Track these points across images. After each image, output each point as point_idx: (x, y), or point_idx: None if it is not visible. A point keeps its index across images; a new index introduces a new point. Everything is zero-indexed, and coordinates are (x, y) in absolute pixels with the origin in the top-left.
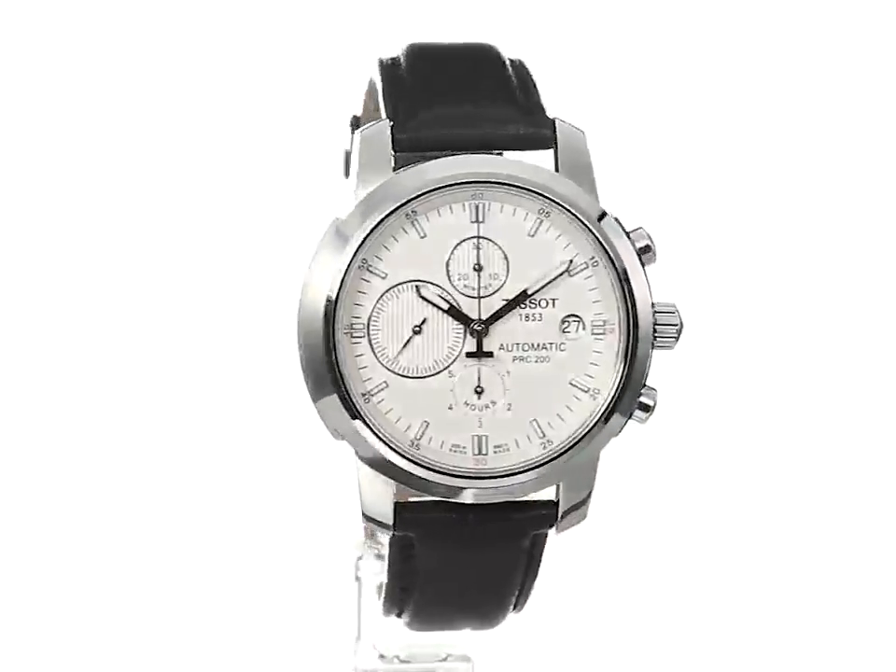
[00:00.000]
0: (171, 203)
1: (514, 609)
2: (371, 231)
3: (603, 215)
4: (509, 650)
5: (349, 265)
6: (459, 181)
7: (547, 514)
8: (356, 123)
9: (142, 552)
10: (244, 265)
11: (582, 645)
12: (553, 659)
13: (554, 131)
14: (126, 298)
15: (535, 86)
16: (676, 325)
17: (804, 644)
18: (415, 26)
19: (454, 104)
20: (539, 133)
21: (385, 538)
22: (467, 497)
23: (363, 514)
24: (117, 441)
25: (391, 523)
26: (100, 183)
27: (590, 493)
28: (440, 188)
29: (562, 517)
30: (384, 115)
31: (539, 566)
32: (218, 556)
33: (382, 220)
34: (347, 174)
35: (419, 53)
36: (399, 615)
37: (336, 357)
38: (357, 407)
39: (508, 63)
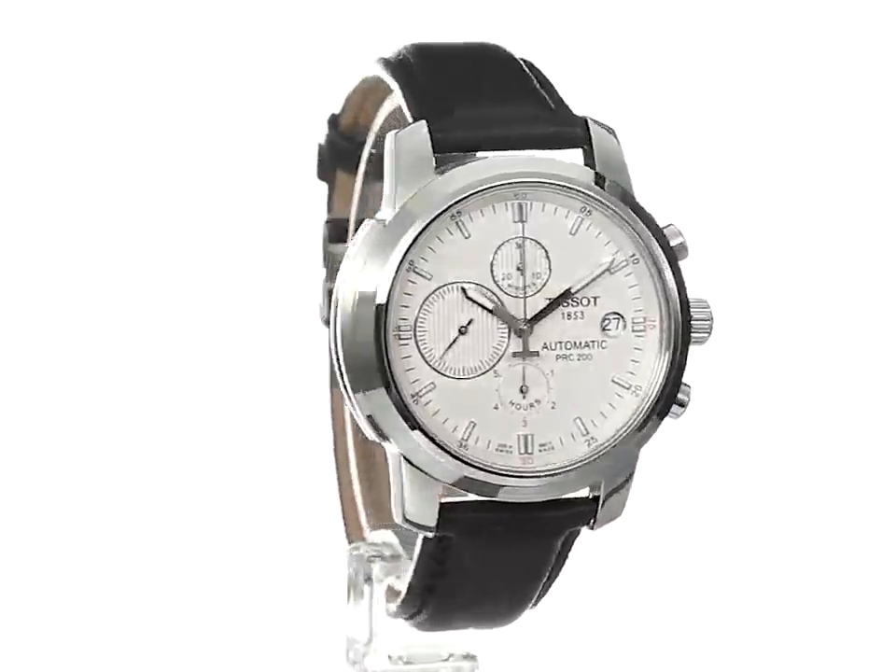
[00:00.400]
0: (155, 200)
1: (532, 605)
2: (420, 233)
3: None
4: (509, 648)
5: (398, 268)
6: (504, 181)
7: (585, 511)
8: (334, 122)
9: (139, 552)
10: (229, 263)
11: (585, 643)
12: (556, 656)
13: (587, 129)
14: (111, 295)
15: (552, 85)
16: (709, 320)
17: (809, 644)
18: (385, 25)
19: (484, 104)
20: (573, 131)
21: (394, 538)
22: (512, 496)
23: (403, 517)
24: (116, 440)
25: (434, 524)
26: (91, 182)
27: (628, 490)
28: (485, 188)
29: (600, 514)
30: (409, 116)
31: (565, 563)
32: (215, 556)
33: (430, 223)
34: (321, 170)
35: (430, 53)
36: (412, 617)
37: (389, 361)
38: (409, 409)
39: (521, 62)
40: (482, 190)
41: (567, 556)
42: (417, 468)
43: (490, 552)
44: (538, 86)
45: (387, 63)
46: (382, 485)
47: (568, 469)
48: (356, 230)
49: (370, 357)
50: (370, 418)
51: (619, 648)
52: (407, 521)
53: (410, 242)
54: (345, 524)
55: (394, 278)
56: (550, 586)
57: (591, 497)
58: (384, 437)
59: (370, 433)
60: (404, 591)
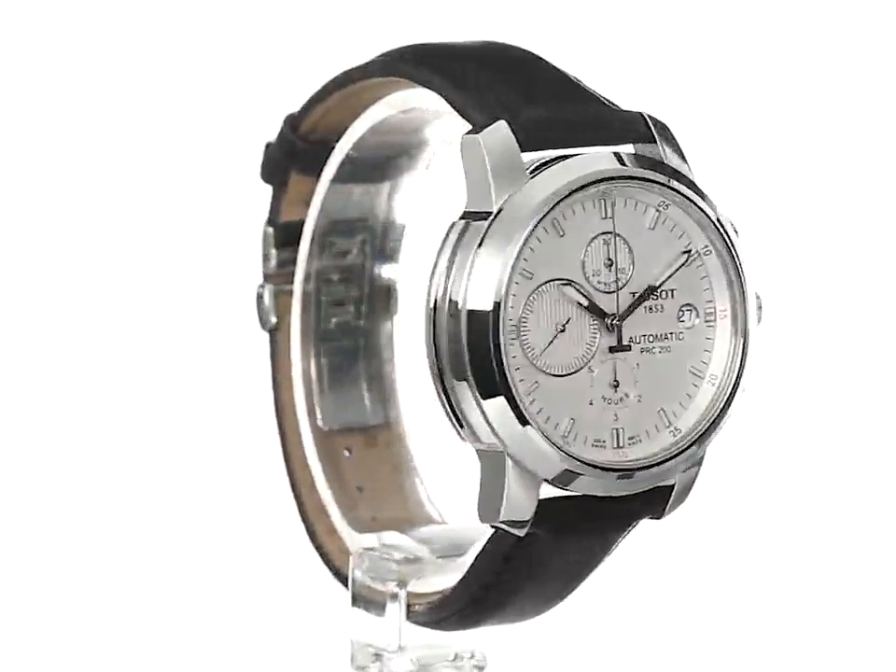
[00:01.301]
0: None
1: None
2: (529, 235)
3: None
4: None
5: (513, 269)
6: (596, 179)
7: (657, 500)
8: (293, 123)
9: (136, 553)
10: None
11: (588, 640)
12: (559, 654)
13: (646, 124)
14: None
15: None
16: (760, 308)
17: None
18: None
19: (546, 102)
20: (638, 126)
21: (405, 540)
22: (608, 490)
23: (501, 518)
24: (114, 441)
25: (530, 522)
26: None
27: (696, 475)
28: (581, 187)
29: (672, 504)
30: (466, 118)
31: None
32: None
33: (537, 224)
34: (268, 172)
35: (451, 54)
36: (441, 620)
37: (506, 363)
38: (522, 407)
39: (546, 60)
40: (579, 189)
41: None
42: (523, 466)
43: (565, 547)
44: (579, 82)
45: (403, 59)
46: (350, 486)
47: (658, 461)
48: (319, 234)
49: (485, 357)
50: (490, 422)
51: (622, 645)
52: (503, 521)
53: (521, 244)
54: (311, 530)
55: (508, 279)
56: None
57: (670, 486)
58: (495, 438)
59: (467, 434)
60: (437, 593)
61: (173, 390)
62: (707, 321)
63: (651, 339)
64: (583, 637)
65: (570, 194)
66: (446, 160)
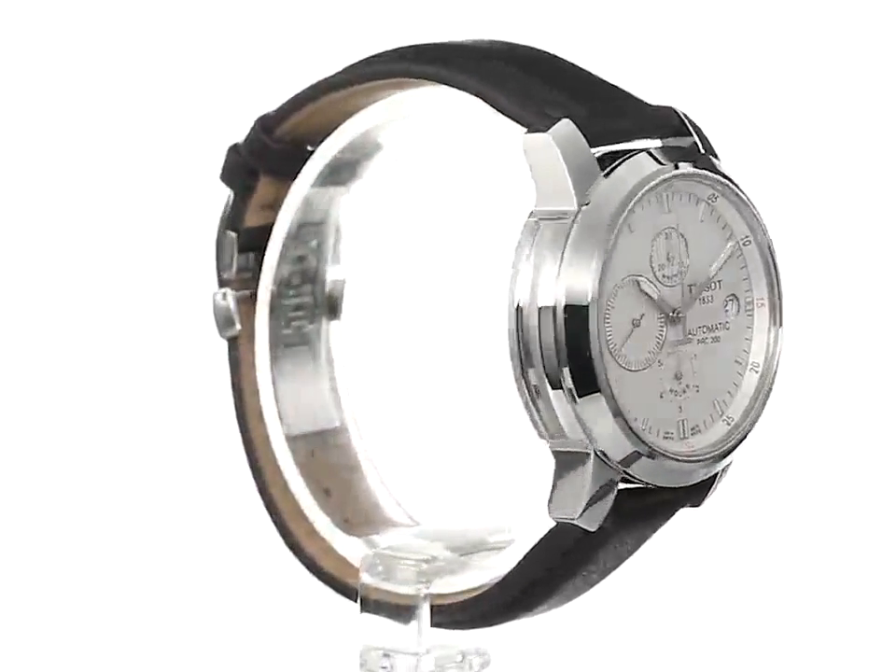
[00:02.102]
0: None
1: None
2: (618, 234)
3: None
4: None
5: (605, 267)
6: (667, 175)
7: (701, 490)
8: (268, 126)
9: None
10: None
11: (588, 640)
12: (561, 653)
13: (680, 118)
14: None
15: None
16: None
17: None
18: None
19: (586, 100)
20: (677, 120)
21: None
22: (676, 481)
23: (579, 514)
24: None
25: (605, 517)
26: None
27: (730, 465)
28: (655, 185)
29: (711, 493)
30: (519, 116)
31: None
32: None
33: (622, 223)
34: (233, 174)
35: (476, 53)
36: (465, 622)
37: (604, 359)
38: (614, 400)
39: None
40: (653, 186)
41: None
42: (607, 461)
43: (620, 537)
44: (603, 79)
45: (424, 60)
46: (320, 489)
47: (719, 450)
48: (290, 237)
49: (583, 354)
50: (583, 420)
51: (624, 644)
52: (579, 517)
53: (612, 242)
54: (287, 532)
55: (601, 276)
56: None
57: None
58: (559, 435)
59: (550, 432)
60: (462, 593)
61: (128, 396)
62: (746, 311)
63: (704, 330)
64: (583, 637)
65: (646, 192)
66: (393, 165)
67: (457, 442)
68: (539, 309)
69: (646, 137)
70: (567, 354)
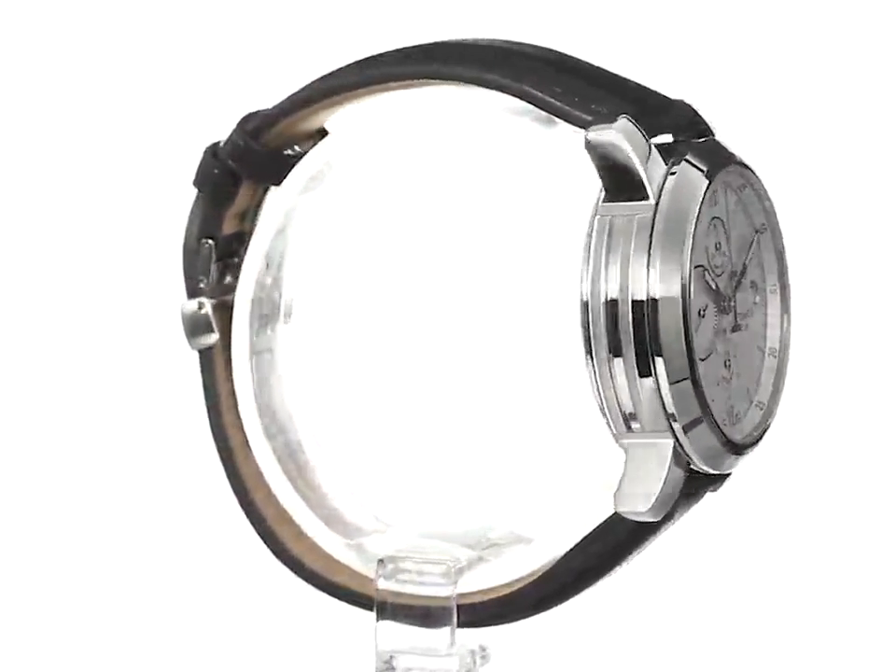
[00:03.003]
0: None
1: None
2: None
3: None
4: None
5: (691, 258)
6: (722, 167)
7: (721, 475)
8: (255, 132)
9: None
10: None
11: (588, 640)
12: (563, 651)
13: (695, 111)
14: None
15: None
16: None
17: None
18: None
19: (620, 95)
20: (690, 113)
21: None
22: (725, 467)
23: (650, 506)
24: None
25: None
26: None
27: None
28: (716, 175)
29: (728, 477)
30: (570, 116)
31: None
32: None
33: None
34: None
35: (508, 53)
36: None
37: (695, 348)
38: (702, 392)
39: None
40: (719, 177)
41: None
42: (686, 452)
43: (663, 525)
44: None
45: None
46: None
47: (757, 434)
48: (273, 244)
49: (677, 344)
50: (648, 408)
51: (625, 643)
52: (649, 509)
53: (693, 233)
54: (271, 536)
55: (690, 266)
56: None
57: None
58: (639, 430)
59: (630, 425)
60: (492, 590)
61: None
62: (763, 297)
63: (739, 318)
64: (583, 637)
65: (710, 184)
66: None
67: (438, 442)
68: (633, 303)
69: (681, 131)
70: (661, 345)
